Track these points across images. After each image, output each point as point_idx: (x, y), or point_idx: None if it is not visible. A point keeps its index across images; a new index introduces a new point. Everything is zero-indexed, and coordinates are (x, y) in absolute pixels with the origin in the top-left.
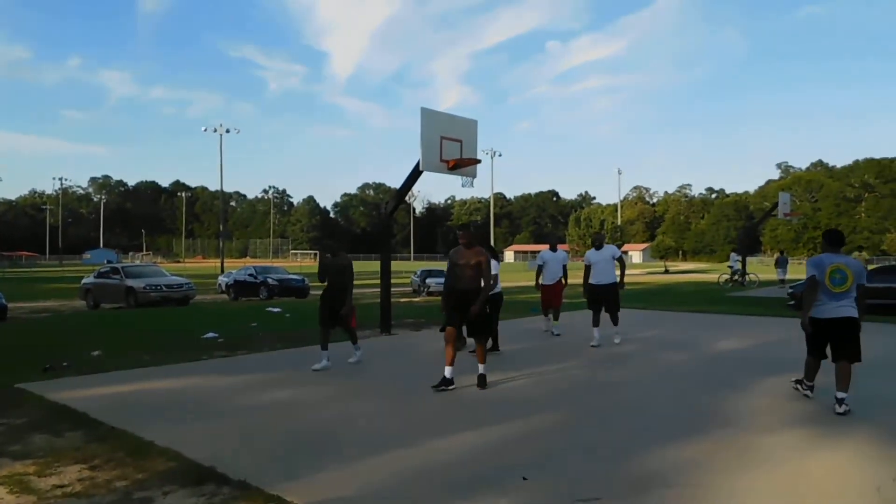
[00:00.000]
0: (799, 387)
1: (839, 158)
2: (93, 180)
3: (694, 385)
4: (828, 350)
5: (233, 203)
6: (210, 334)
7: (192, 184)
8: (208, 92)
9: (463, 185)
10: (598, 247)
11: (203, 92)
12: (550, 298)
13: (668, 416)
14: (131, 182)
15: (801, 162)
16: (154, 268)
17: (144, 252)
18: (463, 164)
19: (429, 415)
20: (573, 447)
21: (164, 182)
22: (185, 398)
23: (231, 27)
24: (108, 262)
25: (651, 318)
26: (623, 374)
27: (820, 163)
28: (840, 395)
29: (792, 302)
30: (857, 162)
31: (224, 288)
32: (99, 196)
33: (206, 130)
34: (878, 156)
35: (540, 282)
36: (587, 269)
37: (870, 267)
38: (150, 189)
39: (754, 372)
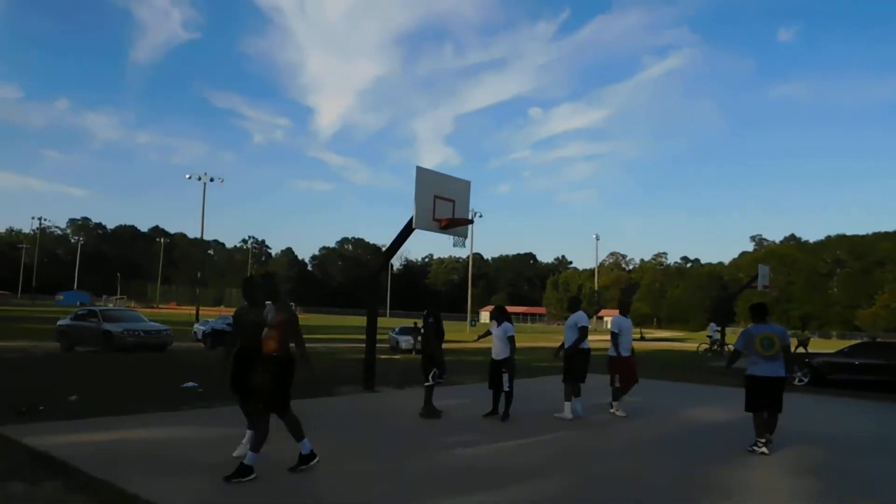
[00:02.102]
0: (755, 448)
1: (812, 234)
2: (71, 221)
3: (689, 457)
4: None
5: (211, 251)
6: (189, 384)
7: (172, 230)
8: (193, 140)
9: (455, 245)
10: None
11: (188, 140)
12: (629, 374)
13: (667, 488)
14: (110, 225)
15: (775, 235)
16: (132, 312)
17: (118, 296)
18: (455, 224)
19: (421, 480)
20: None
21: (143, 227)
22: (166, 450)
23: (220, 78)
24: (81, 303)
25: (637, 387)
26: (619, 442)
27: (793, 237)
28: (764, 439)
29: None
30: (829, 237)
31: (200, 336)
32: (76, 238)
33: (189, 178)
34: (849, 232)
35: (614, 354)
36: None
37: (842, 343)
38: (128, 233)
39: (740, 444)
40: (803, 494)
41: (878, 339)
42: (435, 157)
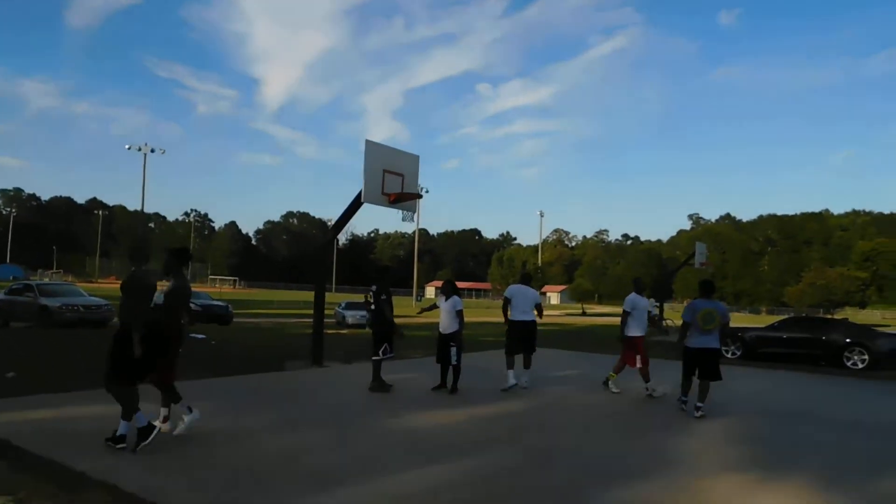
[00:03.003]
0: (683, 406)
1: (745, 213)
2: (3, 192)
3: (631, 427)
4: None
5: (152, 224)
6: None
7: (111, 202)
8: (134, 110)
9: (403, 220)
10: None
11: (128, 109)
12: (642, 353)
13: (610, 459)
14: (45, 197)
15: (711, 214)
16: (70, 287)
17: (55, 270)
18: (404, 199)
19: (372, 450)
20: (521, 489)
21: (81, 199)
22: (111, 426)
23: (162, 47)
24: (15, 277)
25: (579, 360)
26: (561, 415)
27: (728, 216)
28: (699, 404)
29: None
30: (761, 217)
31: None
32: (8, 209)
33: (129, 149)
34: (780, 212)
35: (628, 334)
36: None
37: (773, 318)
38: (64, 205)
39: (682, 416)
40: (738, 460)
41: (804, 315)
42: (384, 132)
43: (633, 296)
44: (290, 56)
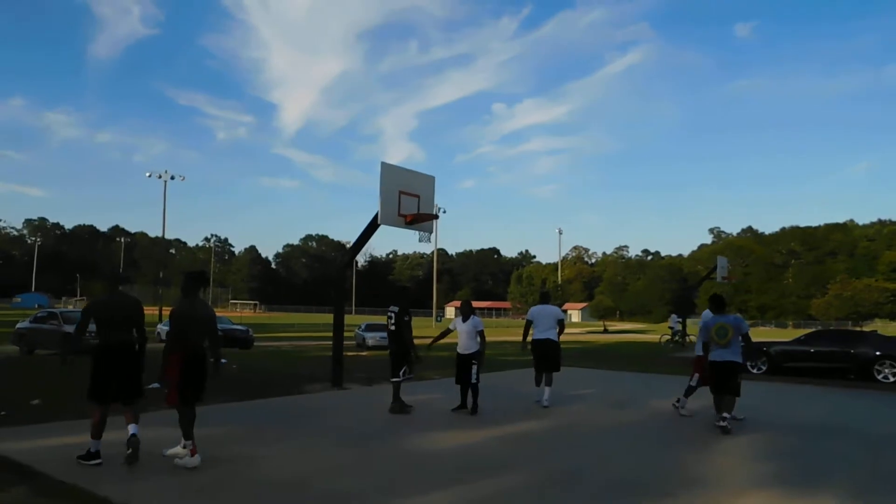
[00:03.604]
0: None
1: (768, 225)
2: (28, 222)
3: (654, 445)
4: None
5: (172, 250)
6: (154, 385)
7: (132, 229)
8: (154, 138)
9: (420, 241)
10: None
11: (149, 138)
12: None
13: (633, 476)
14: (68, 225)
15: (733, 228)
16: None
17: (78, 297)
18: (420, 220)
19: (393, 473)
20: None
21: (103, 227)
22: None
23: (181, 75)
24: (40, 305)
25: (599, 378)
26: (582, 432)
27: (750, 229)
28: (725, 415)
29: None
30: (783, 230)
31: (164, 336)
32: (33, 238)
33: (150, 176)
34: (802, 224)
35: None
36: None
37: (800, 332)
38: (87, 233)
39: (709, 431)
40: (765, 477)
41: (831, 328)
42: (400, 153)
43: (706, 313)
44: (306, 81)
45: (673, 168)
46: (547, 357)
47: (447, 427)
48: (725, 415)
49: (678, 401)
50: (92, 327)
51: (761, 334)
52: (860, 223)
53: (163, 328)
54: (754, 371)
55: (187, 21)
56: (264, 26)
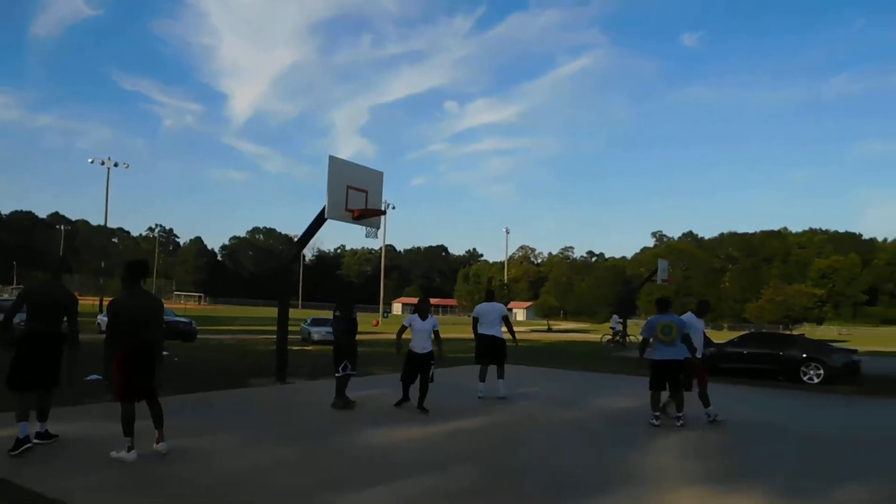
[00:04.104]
0: (653, 421)
1: (708, 230)
2: None
3: (595, 443)
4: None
5: (115, 240)
6: (93, 376)
7: (73, 216)
8: (98, 123)
9: (367, 236)
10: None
11: (93, 123)
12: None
13: (575, 473)
14: (5, 211)
15: (674, 232)
16: None
17: (15, 286)
18: (368, 215)
19: (339, 469)
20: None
21: (42, 213)
22: (71, 445)
23: (128, 60)
24: None
25: (543, 377)
26: (526, 430)
27: (691, 234)
28: (679, 414)
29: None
30: (722, 235)
31: (105, 328)
32: None
33: (92, 162)
34: (741, 230)
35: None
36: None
37: (734, 334)
38: (25, 219)
39: (647, 429)
40: (701, 474)
41: (762, 331)
42: (351, 148)
43: (689, 315)
44: (257, 71)
45: (619, 172)
46: (494, 352)
47: (391, 423)
48: (679, 414)
49: (708, 415)
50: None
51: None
52: (794, 231)
53: (103, 319)
54: None
55: (134, 3)
56: (216, 13)
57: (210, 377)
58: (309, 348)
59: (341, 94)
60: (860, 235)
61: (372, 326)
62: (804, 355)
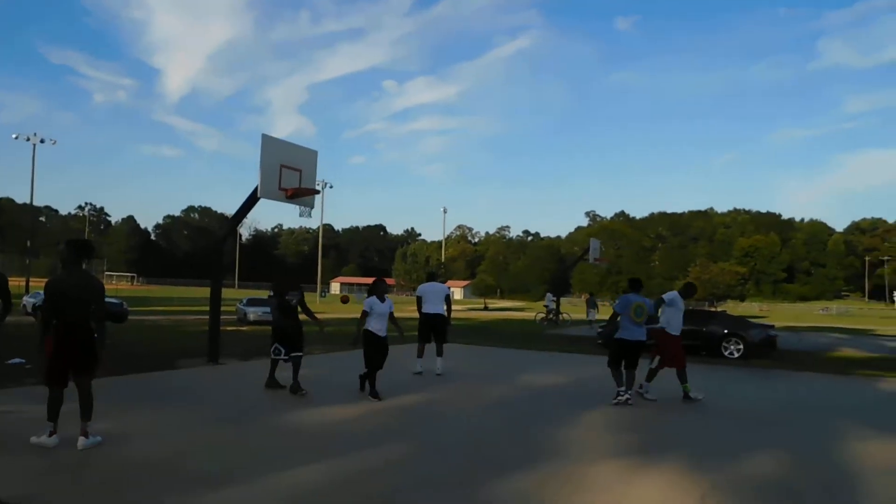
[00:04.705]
0: (619, 397)
1: (639, 210)
2: None
3: (522, 419)
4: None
5: (42, 218)
6: (16, 360)
7: None
8: (24, 96)
9: (301, 215)
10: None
11: (17, 96)
12: (676, 354)
13: (501, 449)
14: None
15: (607, 211)
16: None
17: None
18: (301, 194)
19: (270, 448)
20: (416, 481)
21: None
22: None
23: (54, 31)
24: None
25: (477, 354)
26: (456, 407)
27: (623, 213)
28: (640, 390)
29: (601, 340)
30: (652, 215)
31: (31, 309)
32: None
33: (16, 138)
34: (670, 210)
35: (669, 333)
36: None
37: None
38: None
39: (573, 405)
40: (619, 448)
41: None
42: (288, 126)
43: (672, 294)
44: (191, 46)
45: (554, 153)
46: (436, 330)
47: (324, 402)
48: (638, 390)
49: (640, 386)
50: None
51: None
52: (719, 211)
53: (29, 300)
54: None
55: None
56: None
57: (140, 359)
58: (244, 328)
59: (279, 71)
60: (780, 216)
61: (340, 303)
62: (725, 331)
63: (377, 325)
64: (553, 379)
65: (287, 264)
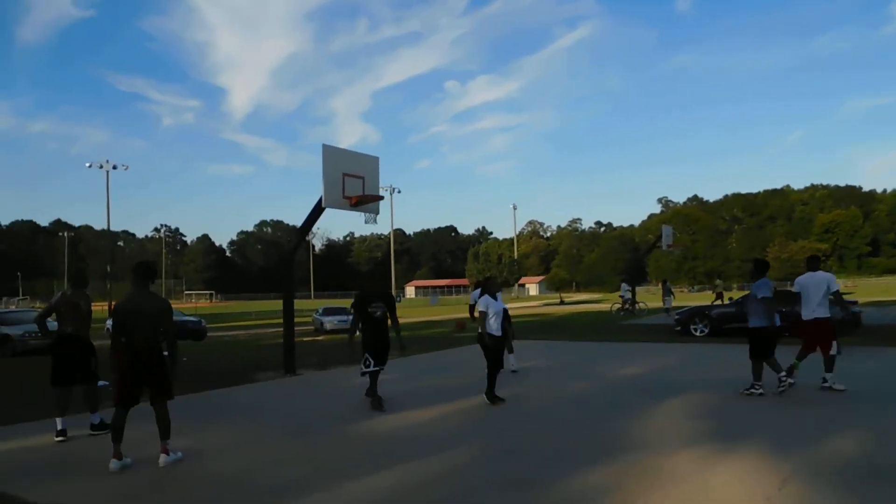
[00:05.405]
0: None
1: (712, 193)
2: None
3: (598, 412)
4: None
5: (121, 243)
6: (101, 383)
7: (76, 223)
8: (94, 127)
9: (366, 222)
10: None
11: (89, 126)
12: (812, 339)
13: (578, 444)
14: (5, 221)
15: (679, 197)
16: (34, 313)
17: (21, 297)
18: (366, 201)
19: (342, 458)
20: (491, 481)
21: (43, 221)
22: (74, 452)
23: (121, 60)
24: None
25: (553, 349)
26: (531, 403)
27: (696, 197)
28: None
29: (679, 328)
30: (726, 197)
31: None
32: None
33: (90, 167)
34: (744, 191)
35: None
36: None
37: (735, 294)
38: (26, 228)
39: (651, 396)
40: (698, 436)
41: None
42: (353, 135)
43: (805, 277)
44: (253, 63)
45: (620, 141)
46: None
47: (398, 408)
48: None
49: (824, 380)
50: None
51: (706, 298)
52: (795, 188)
53: (111, 323)
54: (697, 334)
55: (122, 2)
56: (207, 7)
57: (219, 375)
58: (320, 338)
59: (340, 80)
60: (860, 188)
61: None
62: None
63: (494, 325)
64: (629, 370)
65: (360, 271)
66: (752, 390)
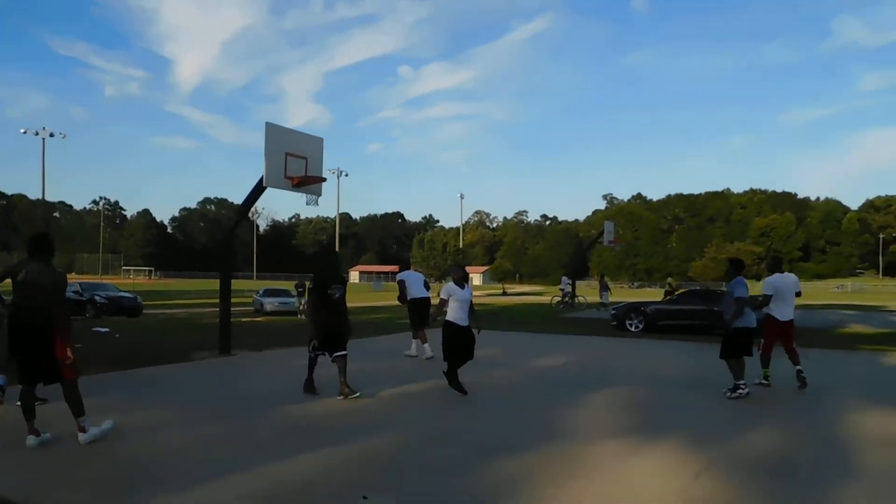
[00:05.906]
0: (740, 392)
1: (655, 192)
2: None
3: (529, 401)
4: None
5: (57, 214)
6: None
7: (9, 191)
8: (32, 91)
9: (308, 203)
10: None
11: (26, 90)
12: (771, 340)
13: (504, 432)
14: None
15: (624, 194)
16: None
17: None
18: (308, 182)
19: (269, 438)
20: (413, 466)
21: None
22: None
23: (62, 24)
24: None
25: (489, 339)
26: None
27: (639, 196)
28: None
29: (615, 323)
30: (669, 196)
31: None
32: None
33: (25, 133)
34: (686, 191)
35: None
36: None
37: (678, 292)
38: None
39: (582, 388)
40: (620, 428)
41: (696, 288)
42: (303, 115)
43: (777, 277)
44: (203, 35)
45: (570, 136)
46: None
47: (331, 393)
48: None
49: (800, 371)
50: None
51: (645, 295)
52: (735, 192)
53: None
54: (632, 329)
55: None
56: None
57: (152, 352)
58: (260, 319)
59: (292, 59)
60: (795, 195)
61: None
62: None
63: (458, 315)
64: (562, 361)
65: (306, 253)
66: (739, 392)
